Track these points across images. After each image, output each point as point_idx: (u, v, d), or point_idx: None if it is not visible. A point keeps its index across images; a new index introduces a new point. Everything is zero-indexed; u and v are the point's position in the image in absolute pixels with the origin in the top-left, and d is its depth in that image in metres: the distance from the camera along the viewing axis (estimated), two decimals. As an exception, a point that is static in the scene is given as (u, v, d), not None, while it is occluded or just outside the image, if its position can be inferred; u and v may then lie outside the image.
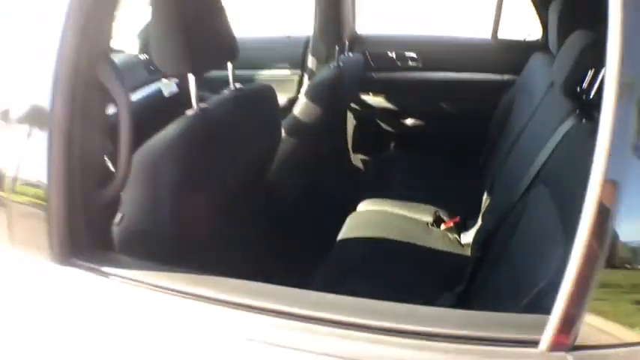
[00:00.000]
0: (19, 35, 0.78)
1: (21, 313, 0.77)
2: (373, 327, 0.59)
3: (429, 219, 1.68)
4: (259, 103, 1.32)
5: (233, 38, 1.18)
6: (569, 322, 0.53)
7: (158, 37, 1.03)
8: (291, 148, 1.64)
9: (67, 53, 0.73)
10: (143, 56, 2.37)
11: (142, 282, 0.71)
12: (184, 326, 0.67)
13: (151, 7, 1.08)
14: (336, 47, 1.99)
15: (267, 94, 1.35)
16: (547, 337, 0.54)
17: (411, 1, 6.65)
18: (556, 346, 0.54)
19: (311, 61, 2.39)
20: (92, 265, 0.75)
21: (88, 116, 0.77)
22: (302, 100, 1.73)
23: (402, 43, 2.38)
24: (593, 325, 0.54)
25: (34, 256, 0.77)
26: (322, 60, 2.29)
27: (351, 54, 2.15)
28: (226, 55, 1.19)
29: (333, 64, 1.91)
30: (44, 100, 0.74)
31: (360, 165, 2.45)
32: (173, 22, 1.00)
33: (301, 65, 2.49)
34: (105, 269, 0.74)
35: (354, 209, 1.79)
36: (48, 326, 0.75)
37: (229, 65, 1.26)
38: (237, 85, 1.30)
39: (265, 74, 2.57)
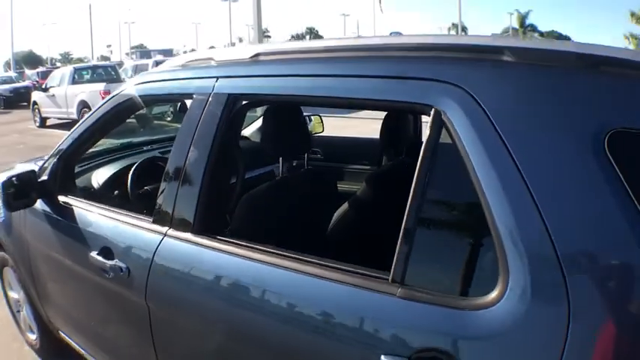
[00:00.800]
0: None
1: (175, 256, 1.64)
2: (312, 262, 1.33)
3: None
4: (320, 178, 2.18)
5: (308, 140, 2.07)
6: (400, 269, 1.20)
7: (264, 137, 1.94)
8: (349, 216, 2.44)
9: (217, 142, 1.63)
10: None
11: (238, 244, 1.52)
12: (253, 263, 1.46)
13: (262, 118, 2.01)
14: (392, 151, 2.82)
15: (327, 174, 2.20)
16: (390, 275, 1.22)
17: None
18: (395, 280, 1.23)
19: (384, 160, 3.23)
20: (214, 236, 1.58)
21: (223, 171, 1.66)
22: (363, 184, 2.55)
23: None
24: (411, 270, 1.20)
25: (183, 231, 1.64)
26: (390, 160, 3.12)
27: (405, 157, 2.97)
28: (303, 150, 2.07)
29: (388, 164, 2.74)
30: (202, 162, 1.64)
31: None
32: (273, 131, 1.90)
33: (378, 162, 3.35)
34: (219, 237, 1.57)
35: None
36: (190, 262, 1.60)
37: (305, 155, 2.15)
38: (309, 167, 2.18)
39: (351, 167, 3.46)
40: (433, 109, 1.20)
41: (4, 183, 2.17)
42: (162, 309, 1.68)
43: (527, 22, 50.59)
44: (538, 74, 1.16)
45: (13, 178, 2.19)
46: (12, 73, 30.40)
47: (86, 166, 2.80)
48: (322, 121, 3.75)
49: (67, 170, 2.36)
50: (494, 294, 1.06)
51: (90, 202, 2.16)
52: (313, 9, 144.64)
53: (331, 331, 1.27)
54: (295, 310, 1.35)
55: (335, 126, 3.54)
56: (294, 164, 2.51)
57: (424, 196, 1.19)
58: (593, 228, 1.01)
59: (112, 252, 1.81)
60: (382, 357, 1.14)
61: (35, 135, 14.15)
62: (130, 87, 2.13)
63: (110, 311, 2.03)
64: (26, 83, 25.61)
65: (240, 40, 77.67)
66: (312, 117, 3.85)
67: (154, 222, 1.74)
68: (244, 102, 1.63)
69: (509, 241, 1.04)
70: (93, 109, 2.31)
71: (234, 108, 1.62)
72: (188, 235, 1.61)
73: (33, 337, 3.01)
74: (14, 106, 23.64)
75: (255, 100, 1.65)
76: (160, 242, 1.67)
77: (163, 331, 1.72)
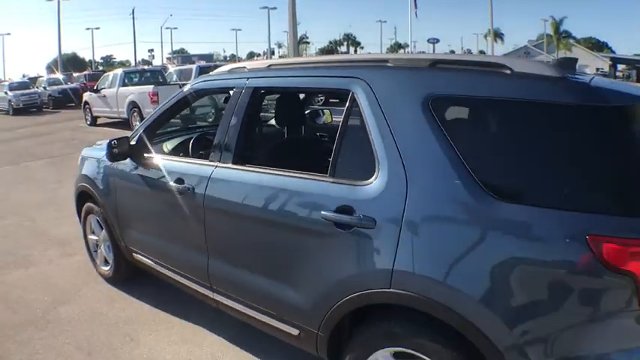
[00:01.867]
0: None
1: (222, 176, 3.01)
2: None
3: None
4: (310, 142, 3.56)
5: (303, 116, 3.45)
6: (333, 169, 2.56)
7: (276, 113, 3.34)
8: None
9: (247, 116, 2.99)
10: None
11: (257, 166, 2.85)
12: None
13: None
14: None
15: (316, 141, 3.57)
16: (328, 172, 2.56)
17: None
18: (330, 174, 2.50)
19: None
20: (244, 164, 2.94)
21: (250, 130, 3.02)
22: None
23: None
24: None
25: (227, 163, 2.99)
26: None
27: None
28: (299, 122, 3.46)
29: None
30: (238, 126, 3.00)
31: None
32: (281, 109, 3.31)
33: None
34: (247, 164, 2.92)
35: None
36: (230, 178, 2.97)
37: (302, 128, 3.54)
38: (304, 136, 3.57)
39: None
40: (350, 92, 2.48)
41: (109, 144, 3.57)
42: (213, 206, 2.97)
43: (562, 28, 52.16)
44: (402, 71, 2.41)
45: (113, 141, 3.58)
46: (59, 75, 32.69)
47: (159, 140, 4.21)
48: (331, 114, 5.11)
49: (149, 138, 3.75)
50: (372, 178, 2.24)
51: (167, 155, 3.57)
52: (352, 16, 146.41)
53: (303, 201, 2.55)
54: (286, 193, 2.64)
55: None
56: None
57: (343, 137, 2.48)
58: (423, 149, 2.17)
59: (183, 180, 3.17)
60: (322, 212, 2.40)
61: (86, 132, 16.00)
62: (193, 84, 3.52)
63: (177, 220, 3.33)
64: (75, 85, 27.82)
65: (279, 46, 79.61)
66: (324, 111, 5.21)
67: (209, 160, 3.10)
68: (262, 92, 3.00)
69: (380, 155, 2.25)
70: (166, 100, 3.72)
71: (257, 96, 3.00)
72: (230, 165, 2.95)
73: (106, 268, 4.44)
74: (62, 106, 25.90)
75: (269, 90, 3.03)
76: (213, 170, 3.02)
77: (212, 221, 3.01)
